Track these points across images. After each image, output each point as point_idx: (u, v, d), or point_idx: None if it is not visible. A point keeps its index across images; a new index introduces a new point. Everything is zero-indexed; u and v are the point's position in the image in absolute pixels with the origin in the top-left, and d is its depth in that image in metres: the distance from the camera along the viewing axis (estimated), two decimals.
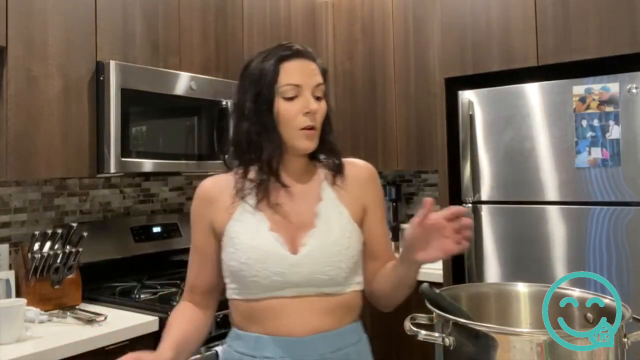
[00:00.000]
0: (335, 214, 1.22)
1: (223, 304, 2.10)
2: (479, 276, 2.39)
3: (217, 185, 1.26)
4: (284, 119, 1.18)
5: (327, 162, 1.27)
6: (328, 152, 1.27)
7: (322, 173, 1.27)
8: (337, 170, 1.26)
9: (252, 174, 1.22)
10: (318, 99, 1.21)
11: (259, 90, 1.19)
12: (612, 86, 2.11)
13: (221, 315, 1.98)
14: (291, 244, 1.17)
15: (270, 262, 1.15)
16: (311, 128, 1.19)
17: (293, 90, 1.18)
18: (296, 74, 1.19)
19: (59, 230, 2.00)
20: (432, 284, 1.07)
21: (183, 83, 2.28)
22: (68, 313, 1.88)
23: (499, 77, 2.44)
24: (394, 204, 3.19)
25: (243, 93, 1.23)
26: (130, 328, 1.79)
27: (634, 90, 2.07)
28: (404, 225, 3.04)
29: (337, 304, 1.19)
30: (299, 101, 1.19)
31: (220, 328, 1.96)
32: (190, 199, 2.82)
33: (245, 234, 1.18)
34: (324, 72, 1.25)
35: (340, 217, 1.22)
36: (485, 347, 0.76)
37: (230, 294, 1.24)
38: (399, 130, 3.00)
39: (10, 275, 1.97)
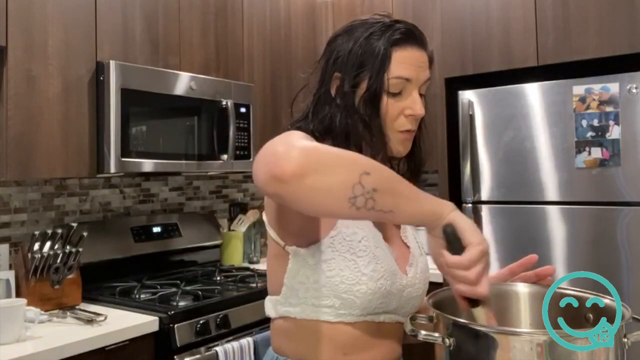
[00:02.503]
0: (411, 234, 1.09)
1: (223, 304, 2.08)
2: None
3: None
4: (386, 117, 0.98)
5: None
6: (407, 160, 1.06)
7: None
8: None
9: None
10: (420, 96, 1.02)
11: (362, 76, 0.98)
12: (612, 86, 2.11)
13: (221, 316, 1.98)
14: (397, 261, 1.00)
15: (388, 280, 0.96)
16: (409, 131, 1.01)
17: (400, 85, 0.98)
18: (407, 66, 0.99)
19: (59, 230, 2.00)
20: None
21: (183, 83, 2.28)
22: (68, 313, 1.87)
23: (499, 77, 2.44)
24: None
25: (335, 71, 1.01)
26: (130, 328, 1.78)
27: (634, 90, 2.07)
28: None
29: (403, 331, 1.04)
30: (404, 99, 0.99)
31: (220, 328, 1.96)
32: (190, 199, 2.84)
33: (368, 239, 0.96)
34: (431, 62, 1.05)
35: (415, 238, 1.09)
36: (485, 347, 0.76)
37: (301, 312, 0.98)
38: None
39: (10, 275, 1.96)
